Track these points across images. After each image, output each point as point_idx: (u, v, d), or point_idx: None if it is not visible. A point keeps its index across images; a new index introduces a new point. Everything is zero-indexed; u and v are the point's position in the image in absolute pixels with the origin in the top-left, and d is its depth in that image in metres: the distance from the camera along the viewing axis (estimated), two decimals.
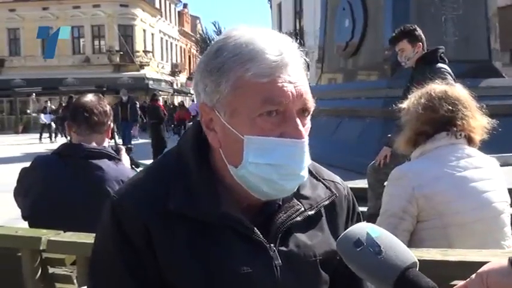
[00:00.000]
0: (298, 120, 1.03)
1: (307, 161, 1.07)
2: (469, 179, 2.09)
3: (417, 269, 0.93)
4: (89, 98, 2.62)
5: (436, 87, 2.21)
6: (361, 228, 0.97)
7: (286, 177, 1.04)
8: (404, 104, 2.25)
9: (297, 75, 1.03)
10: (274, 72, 1.00)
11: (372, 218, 4.49)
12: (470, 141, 2.16)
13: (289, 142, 1.02)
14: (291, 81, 1.02)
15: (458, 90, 2.21)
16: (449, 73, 4.44)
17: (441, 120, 2.12)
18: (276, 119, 1.02)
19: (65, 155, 2.49)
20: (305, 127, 1.06)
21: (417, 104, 2.17)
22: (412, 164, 2.21)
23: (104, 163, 2.45)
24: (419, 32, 4.62)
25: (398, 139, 2.24)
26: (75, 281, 2.05)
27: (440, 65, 4.51)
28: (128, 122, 14.67)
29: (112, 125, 2.70)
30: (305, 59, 1.09)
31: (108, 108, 2.63)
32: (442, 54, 4.59)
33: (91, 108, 2.53)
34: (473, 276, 1.07)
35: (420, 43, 4.58)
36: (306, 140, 1.05)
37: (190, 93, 50.18)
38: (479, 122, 2.16)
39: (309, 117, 1.08)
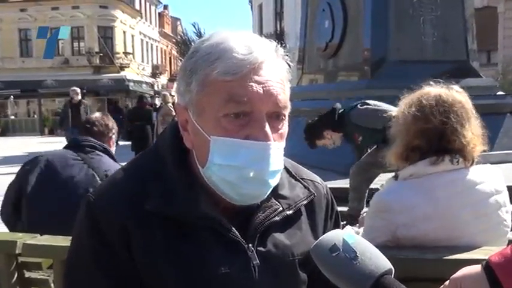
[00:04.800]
0: (266, 122, 1.00)
1: (277, 166, 1.04)
2: (465, 218, 1.75)
3: (392, 276, 0.93)
4: (95, 114, 3.20)
5: (430, 90, 1.86)
6: (337, 234, 0.97)
7: (250, 181, 1.02)
8: (394, 113, 1.95)
9: (268, 76, 1.01)
10: (240, 71, 0.99)
11: (352, 218, 4.48)
12: (466, 158, 1.79)
13: (253, 144, 1.00)
14: (259, 81, 0.99)
15: (454, 95, 1.84)
16: (361, 103, 4.55)
17: (434, 132, 1.78)
18: (243, 120, 1.00)
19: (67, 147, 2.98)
20: (278, 132, 1.04)
21: (407, 113, 1.84)
22: (399, 194, 1.81)
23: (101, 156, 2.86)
24: (312, 124, 4.76)
25: (389, 154, 1.92)
26: (52, 285, 2.02)
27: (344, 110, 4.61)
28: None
29: (114, 138, 3.16)
30: (288, 64, 1.07)
31: (111, 123, 3.11)
32: (338, 108, 4.68)
33: (93, 121, 3.04)
34: (446, 282, 1.07)
35: (323, 129, 4.68)
36: (273, 143, 1.01)
37: (171, 94, 49.93)
38: (474, 133, 1.81)
39: (284, 122, 1.05)
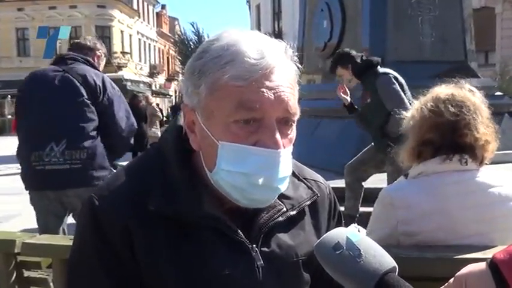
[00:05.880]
0: (276, 129, 0.99)
1: (286, 172, 1.03)
2: (473, 218, 1.73)
3: (396, 274, 0.93)
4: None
5: (441, 90, 1.88)
6: (341, 232, 0.97)
7: (259, 188, 1.00)
8: (409, 112, 1.94)
9: (279, 81, 0.99)
10: (252, 76, 0.96)
11: (350, 218, 4.50)
12: (475, 156, 1.79)
13: (263, 152, 0.98)
14: (270, 87, 0.97)
15: (466, 93, 1.87)
16: (394, 77, 4.51)
17: (447, 126, 1.78)
18: (253, 127, 0.98)
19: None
20: (287, 137, 1.03)
21: (422, 109, 1.85)
22: (404, 192, 1.81)
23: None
24: (349, 53, 4.73)
25: (402, 151, 1.91)
26: (51, 284, 2.01)
27: (382, 70, 4.58)
28: None
29: (102, 59, 3.65)
30: (298, 66, 1.05)
31: (99, 44, 3.65)
32: (374, 62, 4.65)
33: (84, 37, 3.70)
34: (451, 280, 1.07)
35: (350, 64, 4.66)
36: (283, 150, 1.00)
37: (168, 94, 49.87)
38: (486, 129, 1.81)
39: (293, 127, 1.04)
